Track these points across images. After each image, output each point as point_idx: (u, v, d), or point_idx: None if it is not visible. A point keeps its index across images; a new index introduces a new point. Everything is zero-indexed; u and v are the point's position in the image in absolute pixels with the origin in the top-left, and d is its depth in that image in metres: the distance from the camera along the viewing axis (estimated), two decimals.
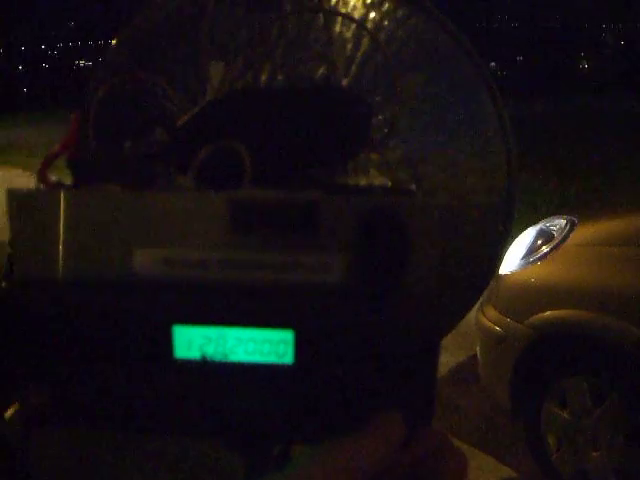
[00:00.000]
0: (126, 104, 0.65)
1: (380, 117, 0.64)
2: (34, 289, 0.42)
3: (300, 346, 0.40)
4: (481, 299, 3.54)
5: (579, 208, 3.93)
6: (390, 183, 0.54)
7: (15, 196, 0.42)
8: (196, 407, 0.41)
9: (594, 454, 3.08)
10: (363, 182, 0.53)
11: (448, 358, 4.44)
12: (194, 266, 0.41)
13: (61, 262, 0.42)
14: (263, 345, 0.40)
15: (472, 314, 3.52)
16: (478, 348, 3.58)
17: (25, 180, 11.45)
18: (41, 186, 0.47)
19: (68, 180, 0.49)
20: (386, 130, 0.63)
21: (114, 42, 0.71)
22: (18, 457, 0.45)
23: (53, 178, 0.49)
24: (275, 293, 0.40)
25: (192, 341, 0.41)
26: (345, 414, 0.41)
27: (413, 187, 0.59)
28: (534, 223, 3.65)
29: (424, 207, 0.41)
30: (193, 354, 0.41)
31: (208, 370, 0.40)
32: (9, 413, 0.43)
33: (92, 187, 0.44)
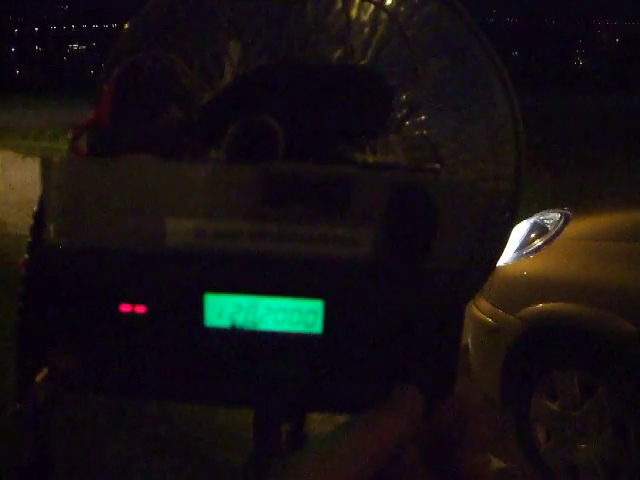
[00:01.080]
0: (144, 82, 0.66)
1: (398, 99, 0.65)
2: (64, 257, 0.42)
3: (329, 316, 0.41)
4: None
5: (573, 202, 3.96)
6: (415, 163, 0.56)
7: (48, 164, 0.42)
8: (225, 375, 0.42)
9: (583, 446, 3.10)
10: (386, 160, 0.54)
11: None
12: (226, 237, 0.42)
13: (92, 231, 0.43)
14: (293, 315, 0.41)
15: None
16: (469, 339, 3.60)
17: (19, 163, 11.40)
18: (74, 155, 0.48)
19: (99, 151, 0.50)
20: (405, 111, 0.64)
21: (130, 22, 0.71)
22: (44, 422, 0.46)
23: (83, 148, 0.49)
24: (305, 264, 0.41)
25: (223, 309, 0.42)
26: (371, 385, 0.42)
27: (437, 166, 0.60)
28: (528, 216, 3.66)
29: (451, 184, 0.42)
30: (223, 322, 0.42)
31: (238, 338, 0.41)
32: (39, 378, 0.44)
33: (124, 157, 0.45)
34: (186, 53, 0.68)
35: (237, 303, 0.41)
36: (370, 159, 0.53)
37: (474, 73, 0.71)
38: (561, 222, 3.38)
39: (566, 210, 3.50)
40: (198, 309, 0.41)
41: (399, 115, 0.64)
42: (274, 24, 0.68)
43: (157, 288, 0.42)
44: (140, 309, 0.42)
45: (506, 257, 3.42)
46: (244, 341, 0.41)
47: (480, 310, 3.41)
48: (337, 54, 0.68)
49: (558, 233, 3.32)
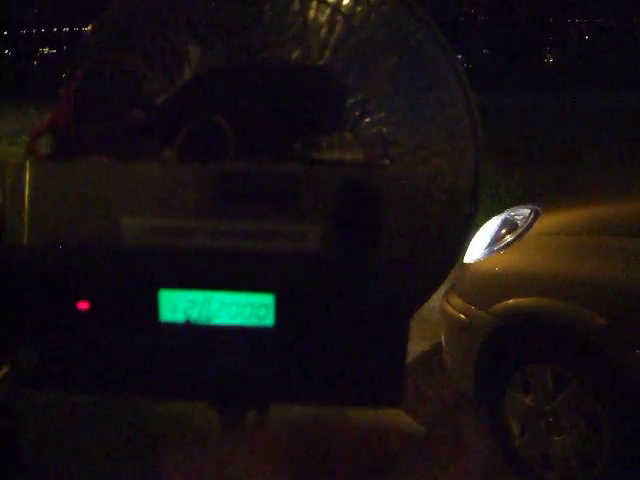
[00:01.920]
0: (105, 84, 0.67)
1: (353, 99, 0.66)
2: (22, 255, 0.43)
3: (280, 309, 0.42)
4: (445, 287, 3.59)
5: (543, 198, 4.00)
6: (364, 159, 0.57)
7: (5, 167, 0.43)
8: (180, 370, 0.43)
9: (556, 439, 3.13)
10: (339, 157, 0.55)
11: (413, 347, 4.46)
12: (180, 234, 0.43)
13: (50, 230, 0.44)
14: (245, 308, 0.42)
15: (436, 302, 3.56)
16: (443, 336, 3.62)
17: None
18: (31, 157, 0.49)
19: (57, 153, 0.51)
20: (359, 111, 0.65)
21: (92, 25, 0.72)
22: (7, 416, 0.47)
23: (42, 150, 0.50)
24: (256, 260, 0.42)
25: (177, 305, 0.43)
26: (322, 375, 0.43)
27: (387, 162, 0.62)
28: (498, 213, 3.69)
29: (398, 179, 0.43)
30: (178, 318, 0.43)
31: (192, 333, 0.42)
32: (0, 375, 0.45)
33: (81, 158, 0.45)
34: (147, 56, 0.69)
35: (191, 299, 0.42)
36: (325, 157, 0.55)
37: (431, 71, 0.72)
38: (531, 217, 3.41)
39: (536, 206, 3.53)
40: (153, 305, 0.42)
41: (355, 113, 0.66)
42: (233, 26, 0.69)
43: (113, 285, 0.43)
44: (96, 306, 0.42)
45: (477, 253, 3.44)
46: (198, 335, 0.42)
47: (453, 307, 3.44)
48: (295, 54, 0.69)
49: (528, 228, 3.35)
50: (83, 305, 0.39)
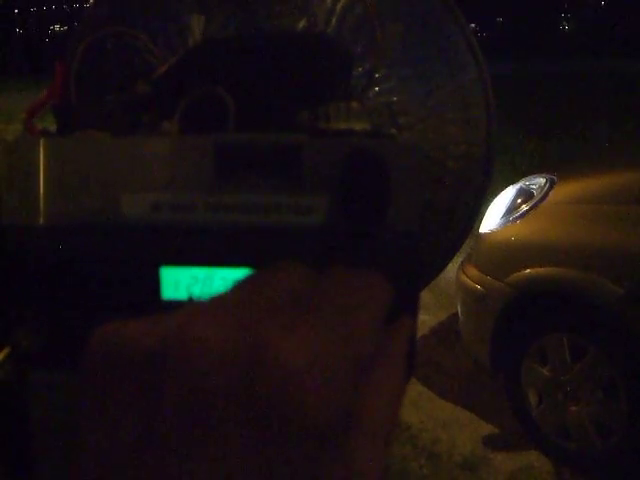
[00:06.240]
0: (108, 58, 0.65)
1: (360, 68, 0.65)
2: (20, 234, 0.43)
3: None
4: (461, 258, 3.58)
5: (559, 167, 3.97)
6: (371, 128, 0.55)
7: (2, 144, 0.42)
8: None
9: (574, 409, 3.14)
10: (344, 127, 0.54)
11: (429, 317, 4.48)
12: (181, 209, 0.42)
13: (47, 208, 0.43)
14: None
15: (452, 273, 3.56)
16: (459, 307, 3.62)
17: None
18: (27, 134, 0.48)
19: (54, 129, 0.50)
20: (366, 80, 0.64)
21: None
22: (14, 398, 0.46)
23: (39, 126, 0.49)
24: (260, 234, 0.41)
25: (179, 282, 0.42)
26: None
27: (394, 131, 0.60)
28: (514, 182, 3.67)
29: (405, 148, 0.42)
30: (180, 295, 0.42)
31: None
32: (1, 357, 0.44)
33: (77, 133, 0.44)
34: (150, 28, 0.67)
35: (193, 275, 0.42)
36: (331, 127, 0.53)
37: (440, 38, 0.71)
38: (546, 187, 3.39)
39: (551, 175, 3.51)
40: (155, 282, 0.41)
41: (362, 82, 0.64)
42: None
43: (114, 262, 0.42)
44: (96, 285, 0.42)
45: (493, 223, 3.43)
46: None
47: (468, 277, 3.43)
48: (301, 24, 0.68)
49: (544, 198, 3.33)
50: (80, 284, 0.38)
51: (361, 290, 0.34)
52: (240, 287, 0.33)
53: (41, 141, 0.42)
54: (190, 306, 0.31)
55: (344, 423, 0.30)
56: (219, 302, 0.31)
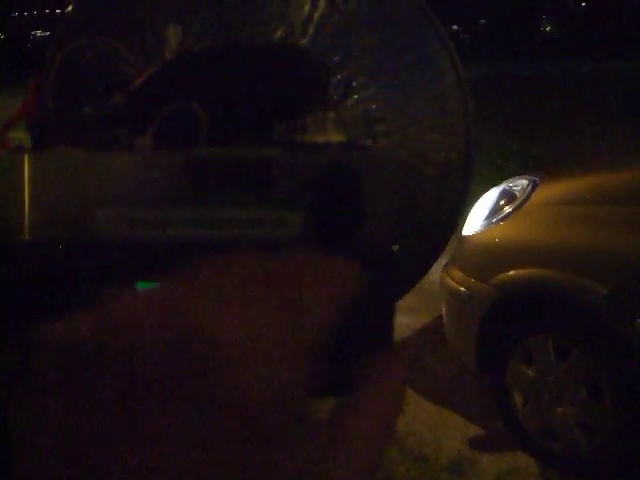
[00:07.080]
0: (84, 69, 0.65)
1: (338, 76, 0.65)
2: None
3: None
4: (445, 260, 3.59)
5: (541, 169, 3.98)
6: (346, 140, 0.55)
7: None
8: None
9: (559, 409, 3.15)
10: (320, 139, 0.54)
11: (414, 319, 4.48)
12: (155, 225, 0.42)
13: (24, 224, 0.42)
14: None
15: (436, 275, 3.56)
16: (443, 309, 3.63)
17: None
18: (1, 150, 0.48)
19: (28, 144, 0.50)
20: (343, 89, 0.64)
21: (71, 7, 0.70)
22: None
23: (14, 142, 0.49)
24: (234, 249, 0.41)
25: None
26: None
27: (369, 143, 0.60)
28: (497, 184, 3.69)
29: (379, 161, 0.42)
30: None
31: None
32: None
33: (52, 149, 0.44)
34: (127, 39, 0.67)
35: None
36: (300, 139, 0.53)
37: (417, 45, 0.71)
38: (529, 188, 3.40)
39: (534, 176, 3.52)
40: None
41: (340, 91, 0.64)
42: (213, 6, 0.67)
43: (89, 278, 0.41)
44: (73, 299, 0.41)
45: (476, 225, 3.44)
46: None
47: (453, 279, 3.44)
48: (278, 33, 0.68)
49: (526, 199, 3.34)
50: (58, 299, 0.38)
51: (316, 273, 0.34)
52: (184, 275, 0.33)
53: (18, 158, 0.42)
54: (128, 294, 0.32)
55: (288, 412, 0.30)
56: (159, 288, 0.32)
